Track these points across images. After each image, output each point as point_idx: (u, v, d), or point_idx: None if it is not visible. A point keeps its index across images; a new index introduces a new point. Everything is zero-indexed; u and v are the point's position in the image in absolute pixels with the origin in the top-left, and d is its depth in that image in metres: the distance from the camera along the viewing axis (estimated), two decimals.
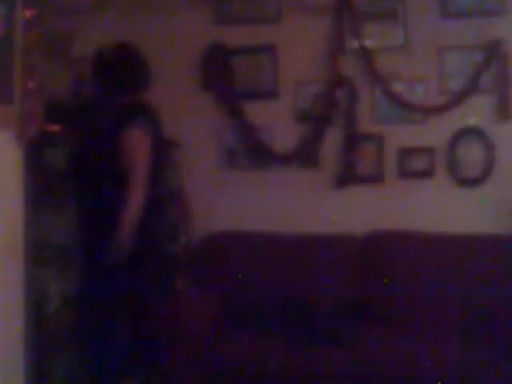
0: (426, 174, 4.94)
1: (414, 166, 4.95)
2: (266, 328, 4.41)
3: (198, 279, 4.83)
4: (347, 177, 4.98)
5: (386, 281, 4.59)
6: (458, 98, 4.82)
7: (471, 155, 4.86)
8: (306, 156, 5.04)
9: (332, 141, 5.01)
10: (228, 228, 5.01)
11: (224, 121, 5.12)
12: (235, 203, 5.06)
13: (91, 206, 4.03)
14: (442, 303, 4.49)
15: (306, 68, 5.05)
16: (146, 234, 3.93)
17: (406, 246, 4.74)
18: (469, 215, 4.82)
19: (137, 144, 3.91)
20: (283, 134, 5.06)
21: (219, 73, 5.09)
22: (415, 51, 4.91)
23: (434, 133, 4.91)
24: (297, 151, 5.03)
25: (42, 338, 4.05)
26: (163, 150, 4.16)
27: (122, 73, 4.05)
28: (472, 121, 4.84)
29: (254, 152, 5.09)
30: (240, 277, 4.72)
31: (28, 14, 3.72)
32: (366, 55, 4.94)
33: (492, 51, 4.76)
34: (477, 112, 4.84)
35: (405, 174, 4.97)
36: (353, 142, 4.97)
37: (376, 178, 4.99)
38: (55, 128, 4.37)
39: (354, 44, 4.96)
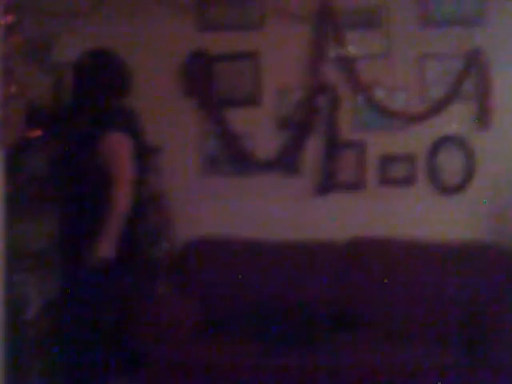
0: (407, 181, 4.95)
1: (395, 174, 4.96)
2: (246, 333, 4.41)
3: (179, 284, 4.84)
4: (328, 184, 4.98)
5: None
6: (439, 106, 4.83)
7: (452, 163, 4.87)
8: (287, 163, 5.04)
9: (313, 148, 5.02)
10: (209, 234, 5.01)
11: (206, 127, 5.11)
12: (216, 209, 5.06)
13: (73, 211, 4.01)
14: (422, 309, 4.50)
15: (288, 75, 5.05)
16: (127, 239, 3.92)
17: (387, 253, 4.75)
18: (449, 222, 4.83)
19: (118, 146, 3.91)
20: (265, 141, 5.06)
21: (201, 79, 5.09)
22: (396, 59, 4.93)
23: (415, 140, 4.92)
24: (278, 158, 5.03)
25: (20, 344, 4.05)
26: (144, 155, 4.16)
27: (100, 78, 4.05)
28: (453, 128, 4.86)
29: (235, 159, 5.09)
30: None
31: (9, 19, 3.71)
32: (347, 63, 4.95)
33: (472, 59, 4.78)
34: (457, 120, 4.86)
35: (386, 181, 4.98)
36: (334, 149, 4.96)
37: (357, 186, 5.00)
38: (36, 133, 4.36)
39: (336, 52, 4.97)
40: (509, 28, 4.77)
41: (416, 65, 4.92)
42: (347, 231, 4.89)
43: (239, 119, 5.07)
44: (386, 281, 4.58)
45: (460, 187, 4.86)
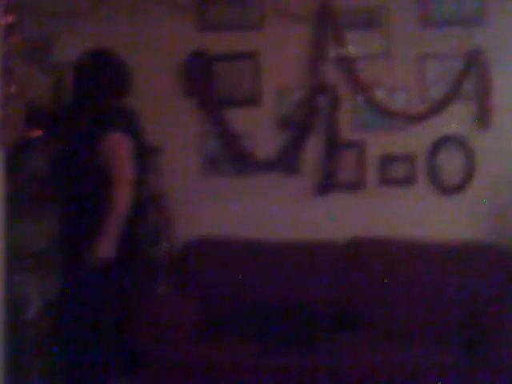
0: (407, 181, 4.95)
1: (395, 174, 4.96)
2: (246, 333, 4.41)
3: (179, 284, 4.84)
4: (328, 184, 4.98)
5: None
6: (439, 106, 4.83)
7: (452, 163, 4.87)
8: (287, 163, 5.04)
9: (313, 148, 5.02)
10: (209, 234, 5.01)
11: (206, 127, 5.12)
12: (216, 209, 5.07)
13: (73, 211, 4.01)
14: (422, 309, 4.51)
15: (288, 75, 5.05)
16: (127, 239, 3.92)
17: (387, 253, 4.75)
18: (449, 222, 4.84)
19: (118, 146, 3.91)
20: (265, 141, 5.06)
21: (201, 79, 5.08)
22: (396, 59, 4.93)
23: (415, 140, 4.92)
24: (278, 158, 5.03)
25: (20, 344, 4.05)
26: (144, 155, 4.16)
27: (100, 78, 4.05)
28: (453, 128, 4.86)
29: (235, 159, 5.09)
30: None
31: (9, 19, 3.71)
32: (347, 63, 4.95)
33: (472, 59, 4.78)
34: (457, 120, 4.86)
35: (386, 181, 4.98)
36: (334, 149, 4.96)
37: (357, 185, 5.00)
38: (36, 133, 4.36)
39: (336, 52, 4.97)
40: (509, 28, 4.77)
41: (416, 65, 4.92)
42: (347, 231, 4.89)
43: (239, 119, 5.07)
44: (386, 281, 4.58)
45: (460, 187, 4.86)
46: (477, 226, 4.81)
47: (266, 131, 5.08)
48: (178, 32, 5.08)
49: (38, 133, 4.39)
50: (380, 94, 4.93)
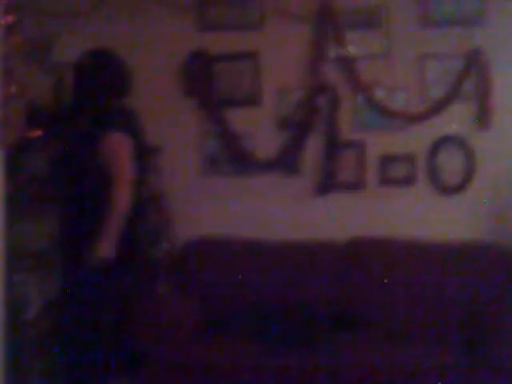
0: (407, 181, 4.95)
1: (395, 174, 4.96)
2: (246, 333, 4.41)
3: (179, 284, 4.84)
4: (328, 184, 4.98)
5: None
6: (439, 106, 4.83)
7: (452, 163, 4.87)
8: (287, 163, 5.04)
9: (313, 148, 5.02)
10: (209, 234, 5.01)
11: (206, 127, 5.12)
12: (216, 209, 5.07)
13: (73, 211, 4.01)
14: (422, 309, 4.51)
15: (288, 75, 5.05)
16: (128, 239, 3.93)
17: (387, 253, 4.75)
18: (449, 222, 4.84)
19: (118, 146, 3.91)
20: (265, 141, 5.06)
21: (201, 79, 5.09)
22: (396, 59, 4.93)
23: (415, 140, 4.92)
24: (278, 158, 5.03)
25: (20, 344, 4.05)
26: (144, 155, 4.16)
27: (100, 78, 4.05)
28: (453, 128, 4.86)
29: (235, 159, 5.09)
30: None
31: (9, 19, 3.71)
32: (347, 63, 4.95)
33: (472, 59, 4.78)
34: (457, 120, 4.86)
35: (386, 181, 4.98)
36: (334, 149, 4.96)
37: (357, 185, 5.00)
38: (36, 133, 4.36)
39: (336, 52, 4.97)
40: (508, 28, 4.77)
41: (416, 65, 4.91)
42: (347, 231, 4.89)
43: (239, 119, 5.07)
44: (386, 281, 4.57)
45: (460, 187, 4.86)
46: (477, 226, 4.81)
47: (266, 131, 5.08)
48: (178, 32, 5.09)
49: (38, 133, 4.39)
50: (380, 94, 4.93)
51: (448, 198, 4.90)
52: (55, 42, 4.85)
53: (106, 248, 3.79)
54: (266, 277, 4.72)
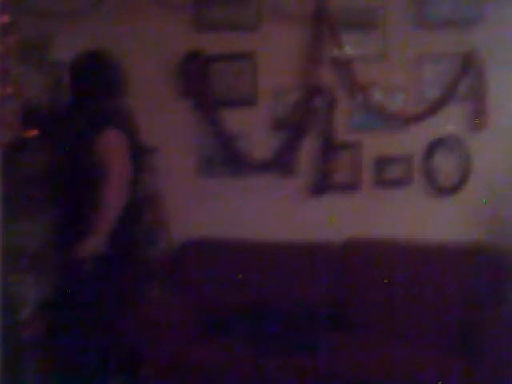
0: (403, 182, 4.95)
1: (391, 175, 4.96)
2: (241, 334, 4.41)
3: (174, 285, 4.84)
4: (324, 185, 4.99)
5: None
6: (436, 107, 4.83)
7: (448, 164, 4.87)
8: (283, 164, 5.04)
9: (309, 149, 5.02)
10: (204, 235, 5.01)
11: (202, 128, 5.11)
12: (212, 210, 5.07)
13: (69, 211, 4.00)
14: (418, 311, 4.50)
15: (285, 76, 5.04)
16: (124, 239, 3.92)
17: (383, 254, 4.75)
18: (445, 223, 4.84)
19: (113, 142, 3.90)
20: (261, 141, 5.06)
21: (198, 80, 5.08)
22: (393, 60, 4.92)
23: (412, 141, 4.91)
24: (274, 159, 5.03)
25: (16, 344, 4.04)
26: (139, 155, 4.15)
27: (94, 79, 4.04)
28: (449, 129, 4.86)
29: (231, 160, 5.08)
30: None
31: (4, 19, 3.71)
32: (344, 64, 4.95)
33: (469, 60, 4.78)
34: (453, 121, 4.86)
35: (382, 182, 4.98)
36: (330, 150, 4.97)
37: (353, 186, 5.00)
38: (32, 133, 4.35)
39: (333, 52, 4.97)
40: (505, 29, 4.76)
41: (412, 66, 4.91)
42: (343, 232, 4.90)
43: (235, 120, 5.07)
44: (386, 281, 4.57)
45: (456, 188, 4.86)
46: (473, 227, 4.79)
47: (261, 132, 5.08)
48: (175, 32, 5.08)
49: (34, 133, 4.38)
50: (376, 95, 4.92)
51: (444, 198, 4.89)
52: (51, 42, 4.84)
53: (94, 244, 3.78)
54: (263, 278, 4.73)
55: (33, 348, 4.23)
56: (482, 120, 4.79)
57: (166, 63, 5.09)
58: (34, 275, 4.32)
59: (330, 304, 4.61)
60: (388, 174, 4.96)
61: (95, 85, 4.04)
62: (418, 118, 4.86)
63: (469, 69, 4.78)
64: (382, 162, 4.97)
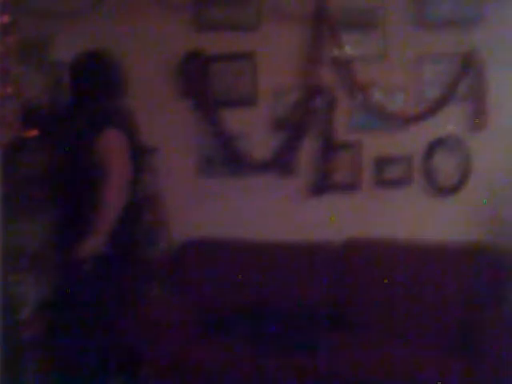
0: (403, 182, 4.94)
1: (391, 175, 4.96)
2: (241, 334, 4.41)
3: (174, 285, 4.84)
4: (324, 185, 4.99)
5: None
6: (436, 107, 4.83)
7: (448, 164, 4.87)
8: (283, 164, 5.04)
9: (309, 149, 5.02)
10: (204, 235, 5.01)
11: (202, 128, 5.11)
12: (211, 210, 5.07)
13: (69, 211, 4.00)
14: (418, 311, 4.50)
15: (285, 76, 5.04)
16: (124, 239, 3.92)
17: (383, 254, 4.75)
18: (445, 223, 4.84)
19: (113, 142, 3.90)
20: (261, 141, 5.06)
21: (198, 80, 5.08)
22: (393, 60, 4.92)
23: (412, 141, 4.91)
24: (274, 159, 5.03)
25: (16, 344, 4.04)
26: (139, 155, 4.15)
27: (94, 79, 4.04)
28: (449, 129, 4.86)
29: (231, 159, 5.08)
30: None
31: (4, 19, 3.71)
32: (344, 64, 4.95)
33: (469, 60, 4.78)
34: (453, 121, 4.85)
35: (382, 182, 4.98)
36: (330, 150, 4.97)
37: (353, 186, 5.00)
38: (32, 133, 4.35)
39: (333, 52, 4.96)
40: (505, 29, 4.76)
41: (412, 66, 4.91)
42: (343, 232, 4.90)
43: (235, 120, 5.07)
44: (386, 281, 4.57)
45: (456, 188, 4.86)
46: (473, 227, 4.79)
47: (261, 132, 5.08)
48: (175, 32, 5.08)
49: (34, 133, 4.38)
50: (376, 95, 4.92)
51: (444, 198, 4.89)
52: (51, 42, 4.84)
53: (94, 244, 3.78)
54: (263, 278, 4.73)
55: (33, 348, 4.23)
56: (481, 120, 4.79)
57: (166, 63, 5.10)
58: (34, 275, 4.32)
59: (329, 304, 4.62)
60: (388, 174, 4.96)
61: (95, 85, 4.04)
62: (418, 117, 4.86)
63: (469, 69, 4.78)
64: (381, 162, 4.97)
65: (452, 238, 4.73)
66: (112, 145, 3.89)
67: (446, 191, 4.88)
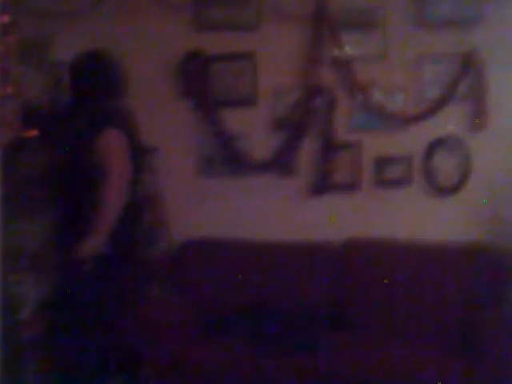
0: (403, 182, 4.94)
1: (391, 175, 4.96)
2: (241, 334, 4.41)
3: (174, 285, 4.84)
4: (324, 185, 4.99)
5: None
6: (436, 107, 4.83)
7: (448, 164, 4.87)
8: (283, 164, 5.04)
9: (309, 149, 5.02)
10: (204, 235, 5.01)
11: (202, 128, 5.11)
12: (211, 210, 5.07)
13: (69, 210, 4.00)
14: (418, 311, 4.50)
15: (285, 76, 5.04)
16: (124, 239, 3.92)
17: (383, 254, 4.75)
18: (445, 223, 4.84)
19: (113, 142, 3.90)
20: (261, 141, 5.06)
21: (198, 80, 5.08)
22: (393, 60, 4.92)
23: (412, 141, 4.91)
24: (274, 159, 5.03)
25: (16, 344, 4.04)
26: (139, 155, 4.15)
27: (94, 79, 4.04)
28: (449, 129, 4.86)
29: (231, 159, 5.08)
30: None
31: (4, 19, 3.71)
32: (344, 64, 4.95)
33: (469, 60, 4.78)
34: (453, 121, 4.85)
35: (382, 182, 4.98)
36: (330, 150, 4.97)
37: (353, 186, 5.00)
38: (32, 133, 4.35)
39: (333, 52, 4.96)
40: (505, 29, 4.76)
41: (412, 66, 4.90)
42: (343, 232, 4.89)
43: (235, 120, 5.07)
44: (386, 281, 4.57)
45: (456, 188, 4.86)
46: (473, 227, 4.79)
47: (261, 132, 5.08)
48: (175, 32, 5.08)
49: (34, 133, 4.38)
50: (376, 95, 4.92)
51: (444, 198, 4.89)
52: (51, 42, 4.84)
53: (94, 244, 3.78)
54: (263, 278, 4.73)
55: (33, 348, 4.23)
56: (481, 120, 4.79)
57: (166, 63, 5.10)
58: (34, 275, 4.32)
59: (330, 304, 4.62)
60: (388, 174, 4.96)
61: (95, 85, 4.04)
62: (418, 117, 4.86)
63: (469, 69, 4.78)
64: (381, 162, 4.97)
65: (452, 238, 4.73)
66: (112, 145, 3.89)
67: (446, 191, 4.88)
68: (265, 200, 5.06)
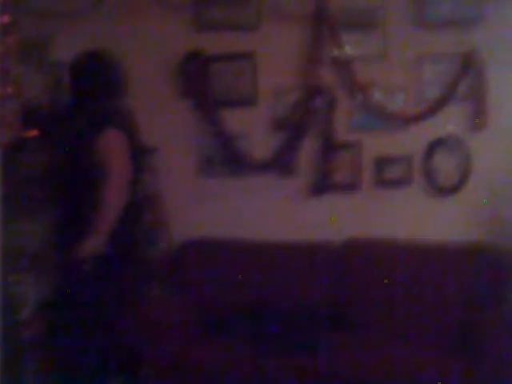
0: (403, 182, 4.94)
1: (391, 175, 4.96)
2: (241, 334, 4.41)
3: (174, 285, 4.84)
4: (324, 185, 4.99)
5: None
6: (436, 107, 4.83)
7: (448, 164, 4.87)
8: (283, 164, 5.03)
9: (309, 149, 5.02)
10: (204, 235, 5.01)
11: (202, 128, 5.11)
12: (211, 210, 5.07)
13: (69, 210, 4.00)
14: (418, 311, 4.50)
15: (285, 76, 5.04)
16: (124, 239, 3.92)
17: (383, 254, 4.74)
18: (445, 223, 4.83)
19: (113, 142, 3.90)
20: (261, 141, 5.06)
21: (198, 80, 5.08)
22: (393, 60, 4.92)
23: (412, 141, 4.90)
24: (274, 159, 5.03)
25: (16, 344, 4.04)
26: (139, 155, 4.15)
27: (94, 79, 4.04)
28: (449, 129, 4.86)
29: (230, 160, 5.08)
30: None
31: (4, 19, 3.71)
32: (344, 64, 4.95)
33: (469, 60, 4.77)
34: (453, 121, 4.85)
35: (382, 182, 4.97)
36: (330, 150, 4.97)
37: (353, 186, 5.00)
38: (32, 133, 4.35)
39: (333, 52, 4.96)
40: (505, 29, 4.76)
41: (413, 66, 4.91)
42: (343, 232, 4.89)
43: (235, 120, 5.07)
44: (386, 281, 4.57)
45: (456, 188, 4.86)
46: (473, 227, 4.79)
47: (261, 132, 5.08)
48: (175, 32, 5.08)
49: (34, 133, 4.38)
50: (376, 95, 4.92)
51: (444, 198, 4.89)
52: (51, 42, 4.84)
53: (94, 244, 3.78)
54: (263, 278, 4.73)
55: (33, 348, 4.23)
56: (481, 120, 4.79)
57: (166, 63, 5.10)
58: (34, 275, 4.32)
59: (330, 304, 4.62)
60: (388, 174, 4.96)
61: (95, 85, 4.04)
62: (418, 117, 4.86)
63: (469, 69, 4.78)
64: (381, 162, 4.96)
65: (452, 238, 4.73)
66: (112, 145, 3.89)
67: (446, 191, 4.88)
68: (265, 200, 5.06)
